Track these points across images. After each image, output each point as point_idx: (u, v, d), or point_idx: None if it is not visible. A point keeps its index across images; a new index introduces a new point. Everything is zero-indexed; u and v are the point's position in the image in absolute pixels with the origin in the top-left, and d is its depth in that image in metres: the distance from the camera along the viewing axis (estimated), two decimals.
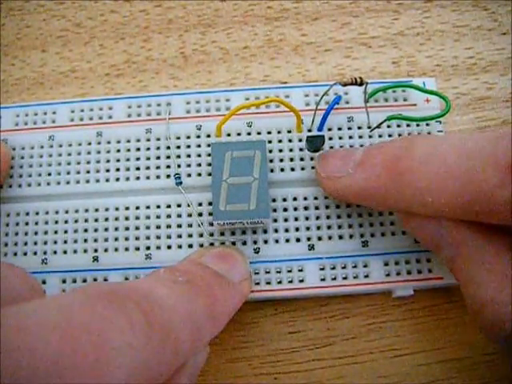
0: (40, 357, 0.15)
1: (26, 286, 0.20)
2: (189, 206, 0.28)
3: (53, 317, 0.16)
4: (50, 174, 0.29)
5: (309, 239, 0.28)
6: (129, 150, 0.29)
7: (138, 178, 0.29)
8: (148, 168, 0.29)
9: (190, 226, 0.28)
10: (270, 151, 0.29)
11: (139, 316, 0.18)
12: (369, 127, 0.29)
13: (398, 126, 0.29)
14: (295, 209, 0.28)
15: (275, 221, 0.28)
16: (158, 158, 0.29)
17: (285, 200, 0.28)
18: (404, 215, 0.25)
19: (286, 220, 0.28)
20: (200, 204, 0.28)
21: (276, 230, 0.28)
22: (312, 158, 0.29)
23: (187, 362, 0.21)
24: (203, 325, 0.21)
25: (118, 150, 0.29)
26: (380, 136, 0.29)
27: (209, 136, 0.29)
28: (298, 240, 0.28)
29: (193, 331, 0.21)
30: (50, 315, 0.16)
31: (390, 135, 0.29)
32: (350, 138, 0.29)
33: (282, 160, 0.29)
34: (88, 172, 0.29)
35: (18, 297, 0.19)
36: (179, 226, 0.28)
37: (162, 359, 0.18)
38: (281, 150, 0.29)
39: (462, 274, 0.23)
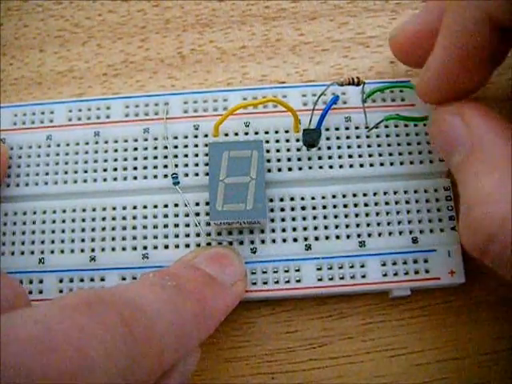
0: (17, 371, 0.15)
1: (12, 294, 0.20)
2: (186, 205, 0.28)
3: (30, 329, 0.16)
4: (47, 174, 0.29)
5: (306, 239, 0.28)
6: (126, 150, 0.29)
7: (135, 178, 0.29)
8: (145, 168, 0.29)
9: (187, 225, 0.28)
10: (268, 151, 0.29)
11: (119, 323, 0.18)
12: (366, 127, 0.29)
13: (396, 126, 0.29)
14: (292, 209, 0.28)
15: (272, 221, 0.28)
16: (156, 157, 0.29)
17: (282, 200, 0.28)
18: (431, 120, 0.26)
19: (283, 220, 0.28)
20: (197, 204, 0.28)
21: (273, 230, 0.28)
22: (310, 158, 0.29)
23: (176, 365, 0.21)
24: (190, 330, 0.22)
25: (116, 150, 0.29)
26: (378, 136, 0.29)
27: (206, 136, 0.29)
28: (295, 240, 0.28)
29: (179, 337, 0.21)
30: (28, 328, 0.16)
31: (387, 135, 0.29)
32: (348, 138, 0.29)
33: (279, 160, 0.29)
34: (85, 172, 0.29)
35: (4, 306, 0.19)
36: (176, 225, 0.28)
37: (145, 367, 0.19)
38: (278, 150, 0.29)
39: (469, 171, 0.23)
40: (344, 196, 0.28)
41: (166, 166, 0.29)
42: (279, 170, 0.29)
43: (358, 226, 0.28)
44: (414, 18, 0.28)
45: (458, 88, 0.25)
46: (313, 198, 0.28)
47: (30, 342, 0.15)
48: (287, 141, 0.29)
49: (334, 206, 0.28)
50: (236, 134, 0.29)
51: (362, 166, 0.29)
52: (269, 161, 0.29)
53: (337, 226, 0.28)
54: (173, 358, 0.21)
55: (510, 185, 0.21)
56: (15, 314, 0.17)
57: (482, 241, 0.21)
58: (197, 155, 0.29)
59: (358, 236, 0.28)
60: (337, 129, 0.29)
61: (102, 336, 0.17)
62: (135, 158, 0.29)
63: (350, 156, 0.29)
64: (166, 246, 0.28)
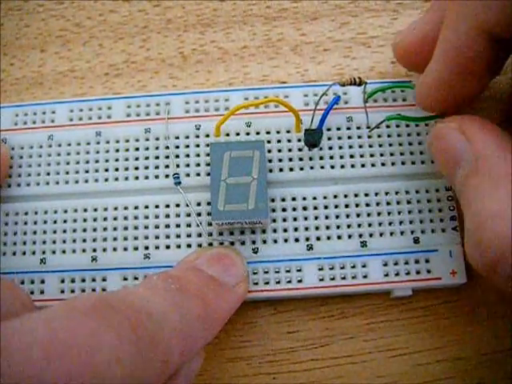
0: (25, 376, 0.15)
1: (16, 300, 0.20)
2: (187, 205, 0.28)
3: (38, 334, 0.16)
4: (48, 174, 0.29)
5: (307, 239, 0.28)
6: (128, 150, 0.29)
7: (136, 178, 0.29)
8: (147, 168, 0.29)
9: (189, 225, 0.28)
10: (269, 151, 0.29)
11: (127, 328, 0.18)
12: (368, 127, 0.29)
13: (397, 126, 0.29)
14: (294, 209, 0.28)
15: (274, 221, 0.28)
16: (157, 157, 0.29)
17: (283, 200, 0.28)
18: (432, 136, 0.26)
19: (284, 220, 0.28)
20: (199, 204, 0.28)
21: (275, 230, 0.28)
22: (311, 158, 0.29)
23: (181, 368, 0.21)
24: (195, 332, 0.22)
25: (117, 150, 0.29)
26: (379, 136, 0.29)
27: (208, 136, 0.29)
28: (296, 240, 0.28)
29: (184, 339, 0.21)
30: (36, 333, 0.16)
31: (389, 135, 0.29)
32: (349, 138, 0.29)
33: (280, 160, 0.29)
34: (87, 172, 0.29)
35: (8, 312, 0.19)
36: (178, 225, 0.28)
37: (152, 370, 0.19)
38: (280, 150, 0.29)
39: (474, 188, 0.22)
40: (345, 196, 0.28)
41: (167, 166, 0.29)
42: (281, 170, 0.29)
43: (359, 226, 0.28)
44: (416, 23, 0.28)
45: (455, 96, 0.25)
46: (314, 198, 0.28)
47: (38, 348, 0.15)
48: (289, 141, 0.29)
49: (336, 206, 0.28)
50: (237, 134, 0.29)
51: (363, 166, 0.29)
52: (270, 161, 0.29)
53: (338, 226, 0.28)
54: (179, 361, 0.21)
55: None
56: (22, 319, 0.17)
57: (491, 261, 0.21)
58: (198, 155, 0.29)
59: (360, 236, 0.28)
60: (338, 129, 0.29)
61: (109, 340, 0.17)
62: (136, 158, 0.29)
63: (352, 156, 0.29)
64: (168, 246, 0.28)
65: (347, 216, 0.28)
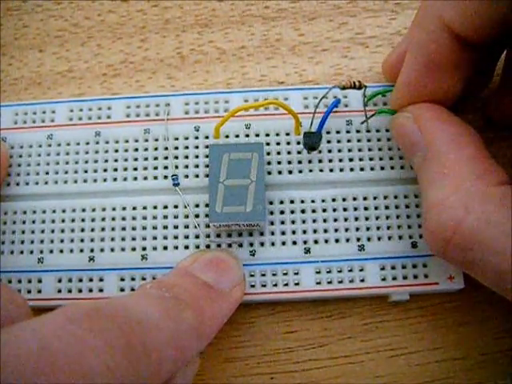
0: None
1: (13, 305, 0.20)
2: (185, 207, 0.28)
3: (28, 345, 0.16)
4: (47, 173, 0.29)
5: (305, 242, 0.28)
6: (127, 151, 0.29)
7: (135, 179, 0.29)
8: (145, 168, 0.29)
9: (187, 227, 0.28)
10: (268, 153, 0.29)
11: (119, 337, 0.18)
12: (367, 131, 0.29)
13: None
14: (292, 212, 0.28)
15: (272, 223, 0.28)
16: (156, 158, 0.29)
17: (282, 203, 0.28)
18: (391, 124, 0.27)
19: (282, 223, 0.28)
20: (197, 205, 0.28)
21: (272, 233, 0.28)
22: (310, 161, 0.29)
23: (175, 375, 0.21)
24: (188, 340, 0.22)
25: (116, 150, 0.29)
26: (379, 140, 0.29)
27: (207, 137, 0.29)
28: (294, 243, 0.28)
29: (177, 348, 0.21)
30: (28, 344, 0.16)
31: (388, 139, 0.29)
32: (349, 141, 0.29)
33: (279, 162, 0.29)
34: (86, 172, 0.29)
35: (4, 318, 0.19)
36: (176, 227, 0.28)
37: (144, 379, 0.19)
38: (279, 153, 0.29)
39: (425, 175, 0.24)
40: (344, 200, 0.28)
41: (166, 167, 0.29)
42: (279, 172, 0.29)
43: (357, 229, 0.28)
44: (398, 43, 0.30)
45: (427, 97, 0.25)
46: (313, 201, 0.28)
47: (30, 359, 0.15)
48: (288, 143, 0.29)
49: (334, 210, 0.28)
50: (237, 136, 0.29)
51: (362, 169, 0.29)
52: (269, 163, 0.29)
53: (336, 230, 0.28)
54: (171, 370, 0.21)
55: (461, 191, 0.22)
56: (15, 329, 0.17)
57: (440, 245, 0.23)
58: (197, 157, 0.29)
59: (358, 240, 0.28)
60: (338, 132, 0.29)
61: (101, 349, 0.17)
62: (135, 159, 0.29)
63: (351, 159, 0.29)
64: (165, 247, 0.28)
65: (345, 219, 0.28)
